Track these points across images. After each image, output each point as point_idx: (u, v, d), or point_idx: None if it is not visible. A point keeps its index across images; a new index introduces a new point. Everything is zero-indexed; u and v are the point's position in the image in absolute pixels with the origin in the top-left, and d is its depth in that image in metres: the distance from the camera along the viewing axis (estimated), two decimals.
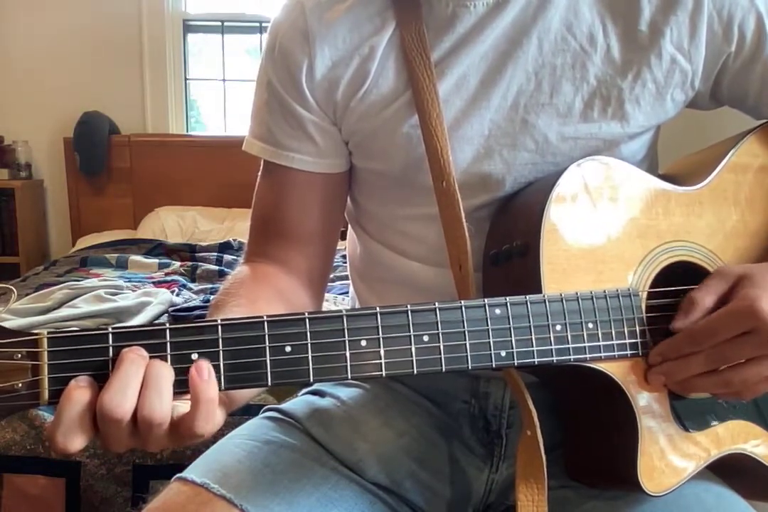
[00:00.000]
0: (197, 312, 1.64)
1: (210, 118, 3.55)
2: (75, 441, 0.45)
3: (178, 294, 1.87)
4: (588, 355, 0.59)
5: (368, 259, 0.82)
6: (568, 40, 0.67)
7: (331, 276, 2.07)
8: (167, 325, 0.48)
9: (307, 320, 0.51)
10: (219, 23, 3.34)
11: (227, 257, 2.42)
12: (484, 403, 0.75)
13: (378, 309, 0.53)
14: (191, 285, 2.10)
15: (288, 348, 0.50)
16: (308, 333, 0.51)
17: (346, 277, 2.08)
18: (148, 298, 1.72)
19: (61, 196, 3.21)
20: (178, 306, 1.74)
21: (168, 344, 0.48)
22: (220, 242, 2.59)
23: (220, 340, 0.49)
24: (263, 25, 3.28)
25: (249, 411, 0.96)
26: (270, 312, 0.68)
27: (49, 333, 0.46)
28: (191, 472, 0.65)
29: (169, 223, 2.95)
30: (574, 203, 0.62)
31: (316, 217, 0.77)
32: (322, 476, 0.68)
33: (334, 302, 1.79)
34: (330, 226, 0.79)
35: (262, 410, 0.77)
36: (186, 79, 3.34)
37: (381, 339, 0.52)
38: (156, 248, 2.58)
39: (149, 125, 3.22)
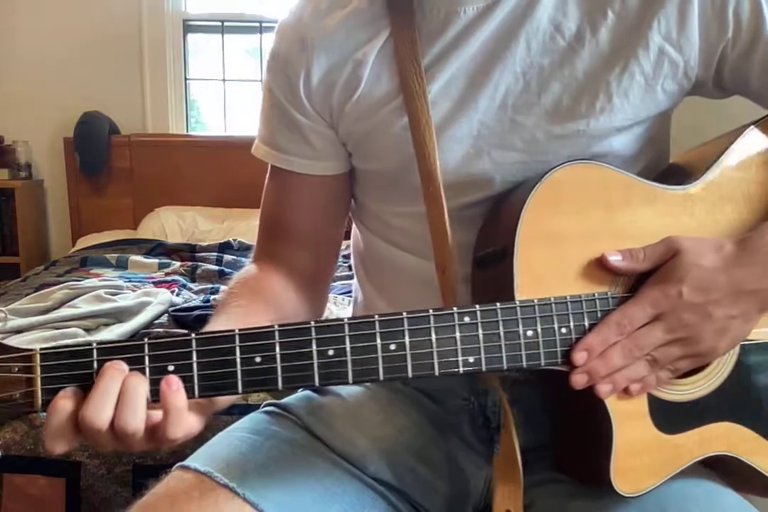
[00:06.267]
0: (197, 312, 1.64)
1: (210, 118, 3.55)
2: (60, 445, 0.51)
3: (178, 294, 1.88)
4: (559, 359, 0.59)
5: (373, 256, 0.83)
6: (556, 39, 0.68)
7: None
8: (146, 340, 0.53)
9: (276, 332, 0.54)
10: (219, 23, 3.34)
11: (227, 257, 2.42)
12: (483, 400, 0.75)
13: (346, 319, 0.56)
14: (191, 285, 2.10)
15: (258, 359, 0.54)
16: (277, 345, 0.54)
17: (346, 277, 2.08)
18: (148, 298, 1.72)
19: (61, 196, 3.21)
20: (178, 307, 1.74)
21: (146, 357, 0.53)
22: (220, 242, 2.58)
23: (194, 353, 0.53)
24: (263, 25, 3.28)
25: (247, 412, 0.96)
26: (269, 311, 0.70)
27: (41, 349, 0.52)
28: (194, 461, 0.66)
29: (169, 223, 2.95)
30: (554, 208, 0.62)
31: (318, 218, 0.79)
32: (324, 470, 0.69)
33: (334, 302, 1.79)
34: (332, 227, 0.82)
35: (262, 404, 0.78)
36: (186, 79, 3.34)
37: (348, 349, 0.55)
38: (156, 248, 2.58)
39: (149, 125, 3.22)
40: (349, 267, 2.10)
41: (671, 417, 0.63)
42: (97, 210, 3.13)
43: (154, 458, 1.24)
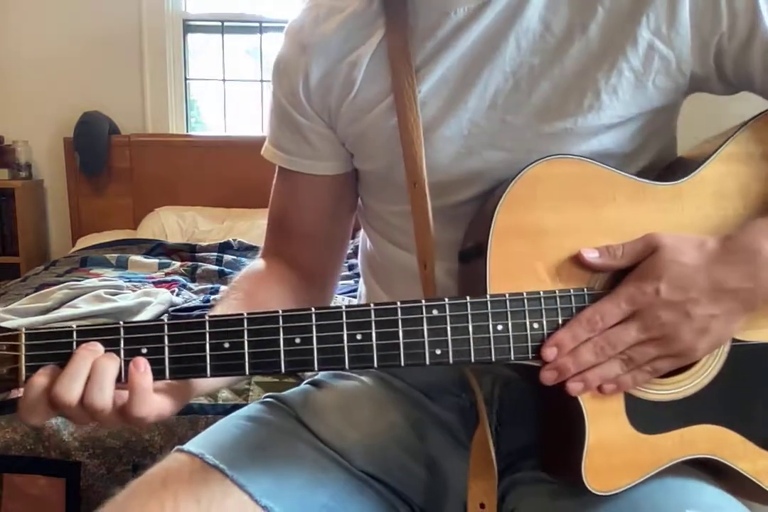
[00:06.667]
0: (197, 312, 1.64)
1: (210, 118, 3.55)
2: (35, 417, 0.55)
3: (178, 295, 1.88)
4: (530, 355, 0.59)
5: (378, 255, 0.85)
6: (546, 38, 0.68)
7: None
8: (121, 324, 0.57)
9: (245, 320, 0.57)
10: (219, 23, 3.34)
11: (227, 257, 2.42)
12: (473, 398, 0.76)
13: (313, 309, 0.57)
14: (191, 285, 2.10)
15: (226, 345, 0.56)
16: (245, 332, 0.56)
17: (347, 277, 2.08)
18: (148, 298, 1.72)
19: (61, 196, 3.21)
20: (178, 307, 1.74)
21: (122, 340, 0.56)
22: (220, 242, 2.58)
23: (166, 337, 0.56)
24: (263, 25, 3.29)
25: None
26: (268, 306, 0.73)
27: (26, 329, 0.56)
28: (190, 445, 0.70)
29: (169, 223, 2.95)
30: (531, 203, 0.61)
31: (320, 218, 0.82)
32: (312, 459, 0.71)
33: (334, 302, 1.79)
34: (336, 226, 0.84)
35: (262, 396, 0.81)
36: (186, 79, 3.34)
37: (315, 338, 0.57)
38: (156, 248, 2.58)
39: (149, 125, 3.21)
40: (349, 268, 2.10)
41: (650, 417, 0.61)
42: (97, 210, 3.13)
43: (154, 458, 1.23)
